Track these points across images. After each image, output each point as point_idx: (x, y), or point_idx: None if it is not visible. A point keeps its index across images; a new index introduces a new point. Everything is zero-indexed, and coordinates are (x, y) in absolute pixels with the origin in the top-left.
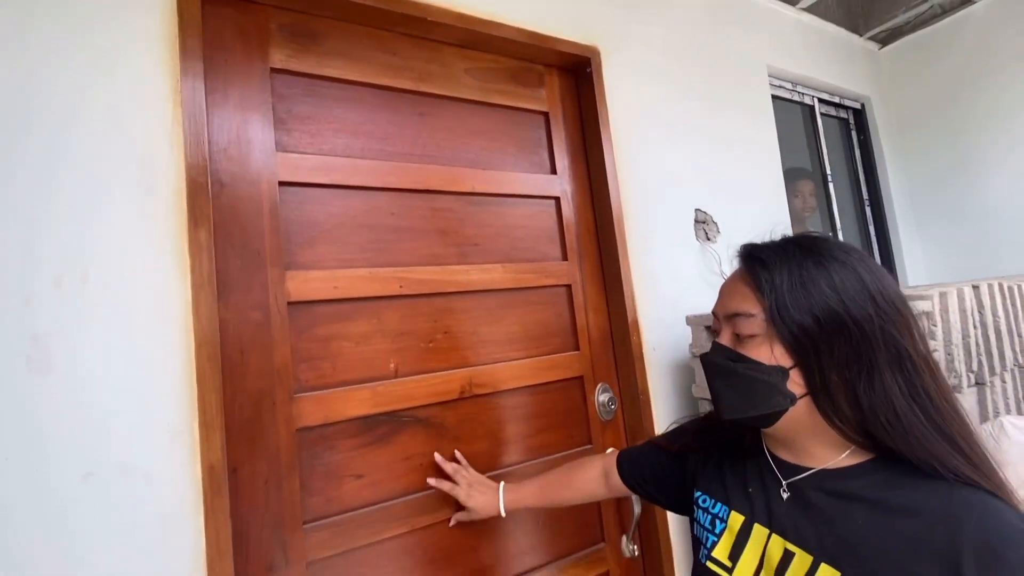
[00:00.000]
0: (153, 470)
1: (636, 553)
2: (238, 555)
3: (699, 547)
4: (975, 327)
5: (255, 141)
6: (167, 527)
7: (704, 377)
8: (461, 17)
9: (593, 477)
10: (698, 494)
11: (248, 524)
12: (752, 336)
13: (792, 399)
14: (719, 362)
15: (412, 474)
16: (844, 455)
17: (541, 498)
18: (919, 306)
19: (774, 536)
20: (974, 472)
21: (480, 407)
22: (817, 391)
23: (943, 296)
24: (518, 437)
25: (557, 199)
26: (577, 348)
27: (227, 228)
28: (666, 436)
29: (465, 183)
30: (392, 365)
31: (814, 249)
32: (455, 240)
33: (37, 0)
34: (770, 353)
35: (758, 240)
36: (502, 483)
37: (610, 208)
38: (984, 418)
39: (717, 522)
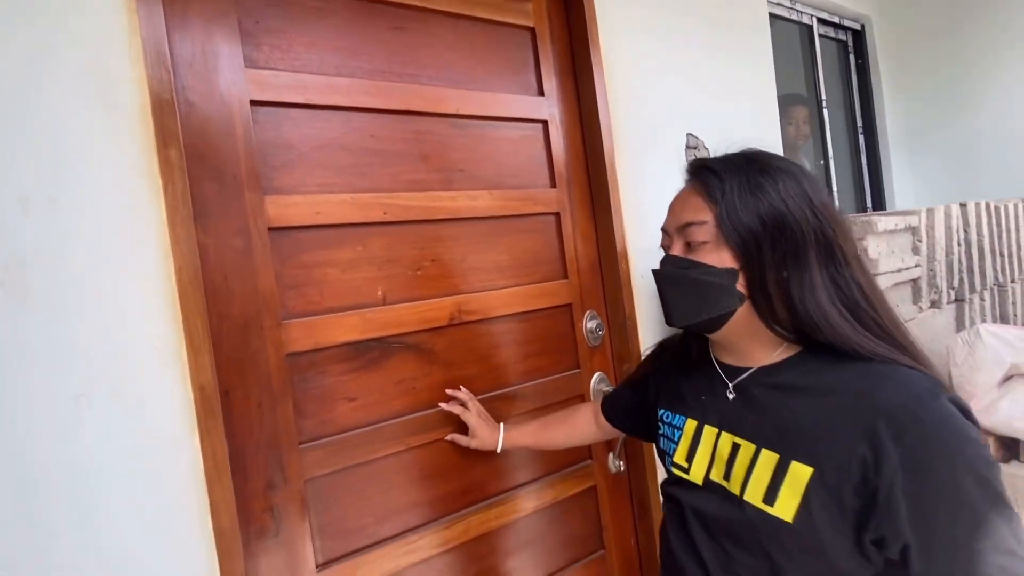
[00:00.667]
0: (144, 392)
1: (622, 468)
2: (237, 474)
3: (665, 458)
4: (959, 244)
5: (222, 56)
6: (165, 447)
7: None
8: None
9: (587, 420)
10: (660, 411)
11: (244, 444)
12: (704, 243)
13: (741, 298)
14: (672, 271)
15: (404, 397)
16: (778, 352)
17: (538, 439)
18: (907, 221)
19: (723, 434)
20: (893, 352)
21: (470, 333)
22: (757, 291)
23: (930, 212)
24: (507, 362)
25: (545, 123)
26: (566, 276)
27: (199, 150)
28: (632, 372)
29: (448, 104)
30: (380, 292)
31: (758, 160)
32: (439, 165)
33: None
34: (719, 257)
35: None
36: (503, 424)
37: (600, 133)
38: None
39: (675, 431)
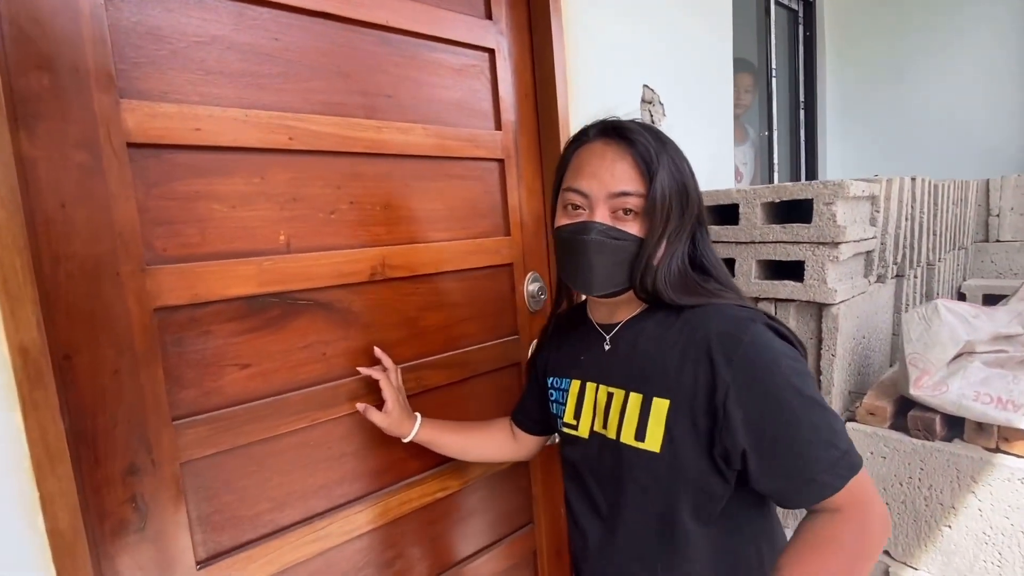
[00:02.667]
0: None
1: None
2: (82, 459)
3: (557, 421)
4: (906, 219)
5: None
6: None
7: (565, 265)
8: None
9: (504, 432)
10: (549, 379)
11: (94, 422)
12: (634, 213)
13: (654, 269)
14: (601, 240)
15: (312, 364)
16: (638, 307)
17: (454, 440)
18: (870, 189)
19: (600, 386)
20: (715, 296)
21: (394, 291)
22: (642, 260)
23: (889, 184)
24: (437, 326)
25: (491, 52)
26: (508, 232)
27: (21, 27)
28: (526, 377)
29: (377, 13)
30: (283, 237)
31: (662, 136)
32: (362, 87)
33: None
34: (638, 227)
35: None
36: (419, 415)
37: (553, 72)
38: (897, 311)
39: (562, 394)
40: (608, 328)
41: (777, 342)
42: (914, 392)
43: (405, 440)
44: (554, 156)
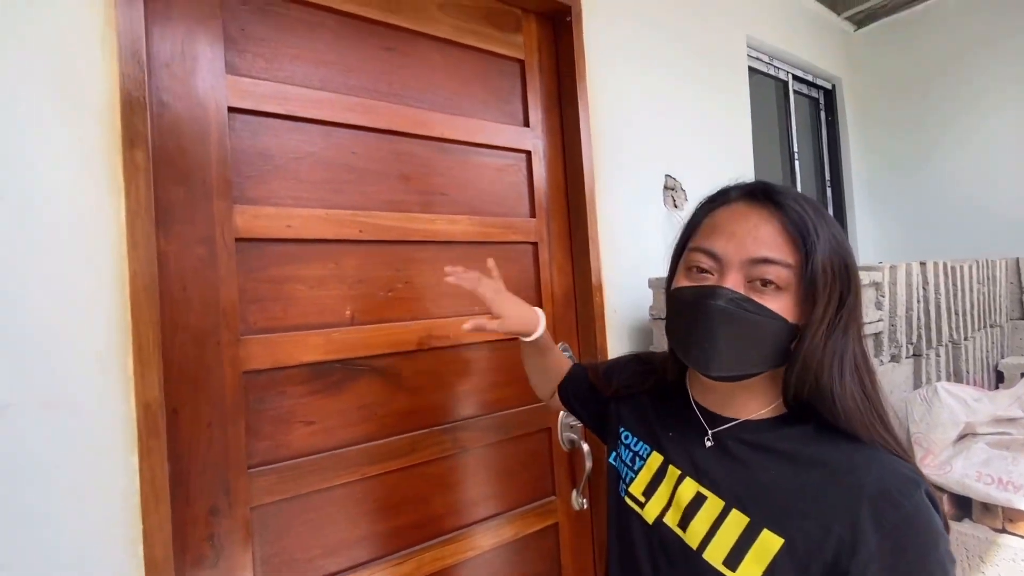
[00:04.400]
0: (80, 404)
1: (585, 506)
2: (177, 498)
3: (618, 481)
4: (919, 302)
5: (202, 59)
6: (98, 467)
7: (679, 332)
8: None
9: (558, 375)
10: (622, 431)
11: (189, 467)
12: (776, 287)
13: (786, 357)
14: (732, 309)
15: (365, 423)
16: (767, 408)
17: (545, 357)
18: (871, 277)
19: (688, 479)
20: (883, 435)
21: (438, 360)
22: (802, 349)
23: (893, 270)
24: (475, 391)
25: (528, 153)
26: (540, 307)
27: (169, 153)
28: (602, 372)
29: (433, 128)
30: (348, 312)
31: (820, 207)
32: (419, 187)
33: None
34: (782, 306)
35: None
36: (539, 312)
37: (582, 167)
38: (918, 387)
39: (637, 459)
40: (714, 419)
41: (936, 519)
42: None
43: (533, 336)
44: (582, 238)
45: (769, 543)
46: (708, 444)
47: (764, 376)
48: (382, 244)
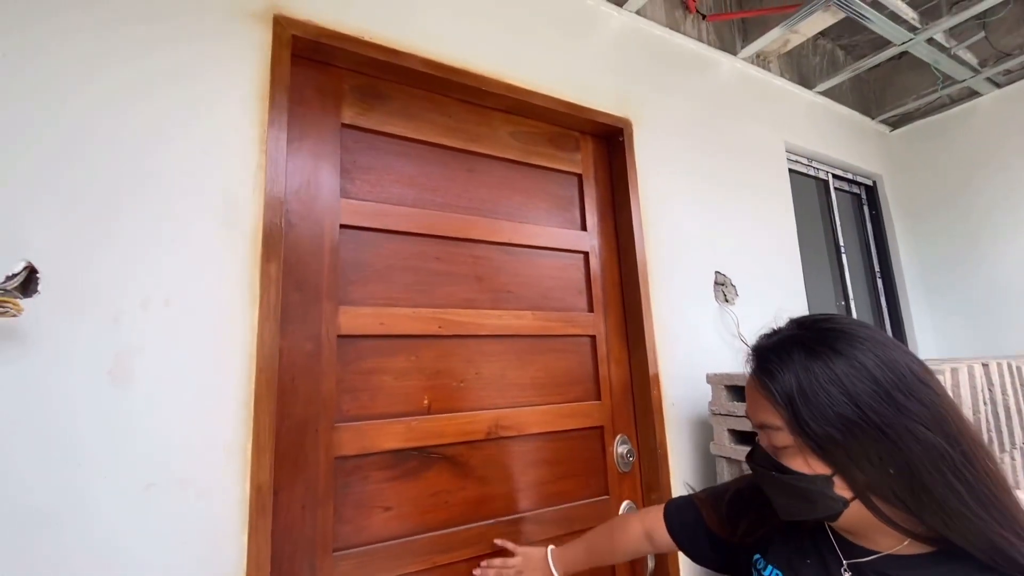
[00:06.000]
0: (206, 486)
1: (651, 569)
2: (273, 574)
3: None
4: (985, 403)
5: (324, 187)
6: (214, 541)
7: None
8: (509, 87)
9: (635, 538)
10: (756, 557)
11: (283, 545)
12: (785, 447)
13: (844, 503)
14: (764, 471)
15: (436, 510)
16: (906, 543)
17: (589, 561)
18: None
19: None
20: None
21: (503, 449)
22: (863, 493)
23: (954, 372)
24: (538, 482)
25: (586, 253)
26: (599, 398)
27: (291, 264)
28: (724, 515)
29: (503, 234)
30: (426, 401)
31: (817, 344)
32: (490, 286)
33: (151, 55)
34: (805, 462)
35: (768, 328)
36: (550, 547)
37: (635, 264)
38: None
39: None
40: (852, 548)
41: None
42: None
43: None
44: (638, 331)
45: None
46: (846, 575)
47: (882, 522)
48: (456, 338)
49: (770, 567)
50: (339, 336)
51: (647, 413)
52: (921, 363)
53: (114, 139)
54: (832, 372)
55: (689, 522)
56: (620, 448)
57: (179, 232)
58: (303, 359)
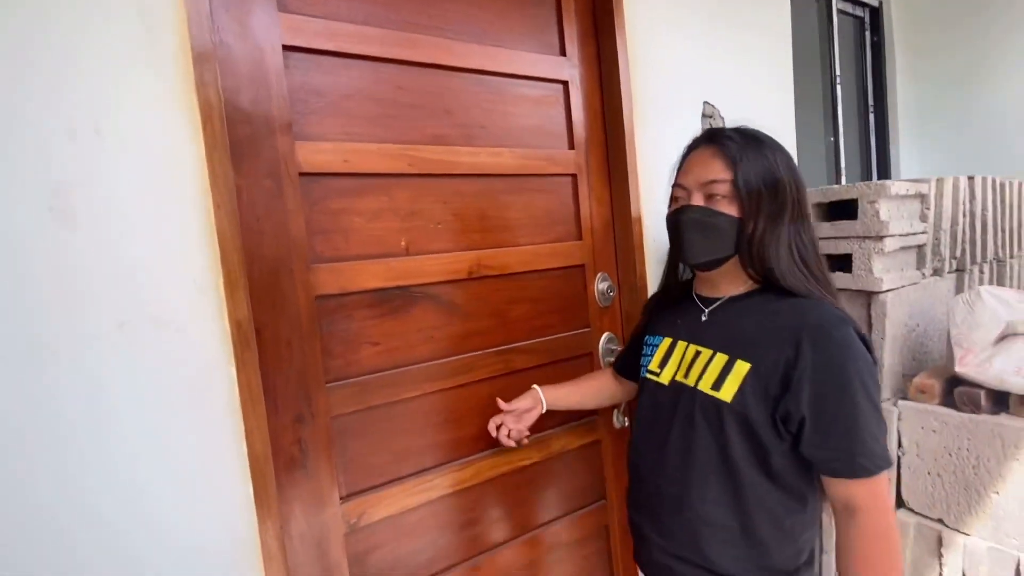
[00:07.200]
0: (184, 323)
1: (625, 424)
2: (268, 406)
3: (642, 369)
4: (964, 216)
5: None
6: (203, 373)
7: (673, 244)
8: None
9: (608, 379)
10: (646, 337)
11: (275, 380)
12: (723, 197)
13: (738, 244)
14: (698, 217)
15: (424, 344)
16: (743, 286)
17: (571, 396)
18: (917, 188)
19: (690, 345)
20: (823, 293)
21: (488, 288)
22: (744, 240)
23: (939, 182)
24: (522, 318)
25: (565, 83)
26: (580, 238)
27: (233, 92)
28: (632, 332)
29: (472, 59)
30: (403, 243)
31: (759, 136)
32: (462, 120)
33: None
34: (730, 209)
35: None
36: (539, 394)
37: (619, 96)
38: None
39: (653, 348)
40: (708, 302)
41: (860, 346)
42: (959, 369)
43: (543, 409)
44: (621, 169)
45: (741, 368)
46: (704, 319)
47: (734, 263)
48: (430, 177)
49: (656, 336)
50: (301, 174)
51: (628, 251)
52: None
53: None
54: (769, 148)
55: (626, 355)
56: (601, 285)
57: (96, 53)
58: (264, 198)
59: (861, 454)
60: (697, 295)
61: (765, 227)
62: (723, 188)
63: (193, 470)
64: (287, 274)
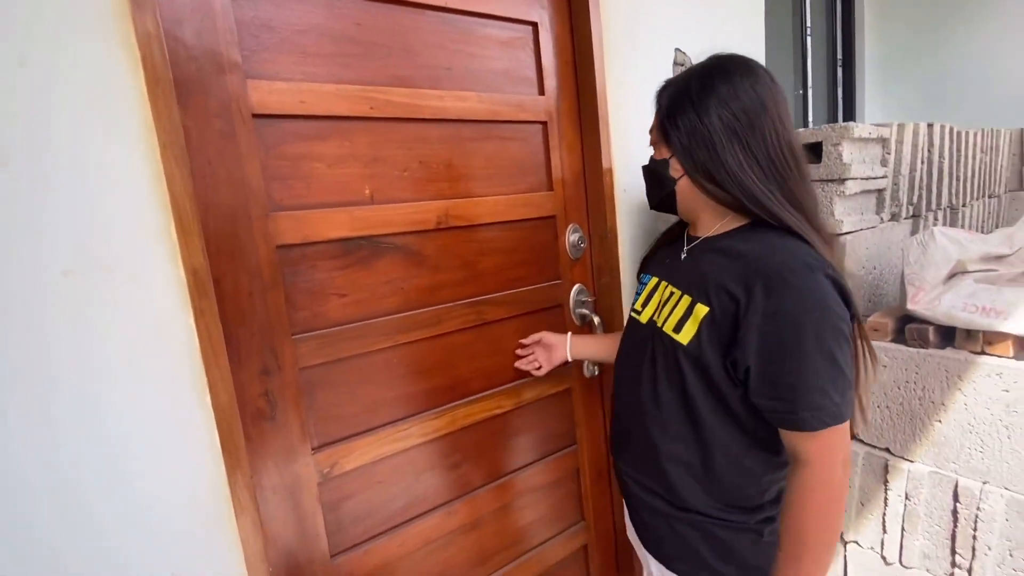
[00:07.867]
0: (136, 270)
1: (596, 373)
2: (231, 357)
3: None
4: (922, 163)
5: None
6: (158, 324)
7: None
8: None
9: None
10: (641, 275)
11: (237, 331)
12: (655, 142)
13: (673, 181)
14: (644, 166)
15: (393, 296)
16: (722, 224)
17: (597, 350)
18: (879, 132)
19: (668, 286)
20: (800, 223)
21: (456, 239)
22: (692, 173)
23: (901, 127)
24: (492, 269)
25: (535, 25)
26: (550, 188)
27: (174, 22)
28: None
29: None
30: (367, 191)
31: (692, 69)
32: (425, 61)
33: None
34: (660, 152)
35: None
36: (569, 333)
37: (590, 43)
38: None
39: (643, 287)
40: (692, 240)
41: (825, 295)
42: (910, 307)
43: (570, 358)
44: (592, 118)
45: (700, 312)
46: (683, 257)
47: (706, 201)
48: (393, 121)
49: (647, 276)
50: (254, 115)
51: (599, 201)
52: (775, 94)
53: None
54: (690, 84)
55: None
56: (572, 236)
57: None
58: (216, 139)
59: (805, 408)
60: (688, 236)
61: (706, 158)
62: (653, 134)
63: (156, 423)
64: (245, 221)
